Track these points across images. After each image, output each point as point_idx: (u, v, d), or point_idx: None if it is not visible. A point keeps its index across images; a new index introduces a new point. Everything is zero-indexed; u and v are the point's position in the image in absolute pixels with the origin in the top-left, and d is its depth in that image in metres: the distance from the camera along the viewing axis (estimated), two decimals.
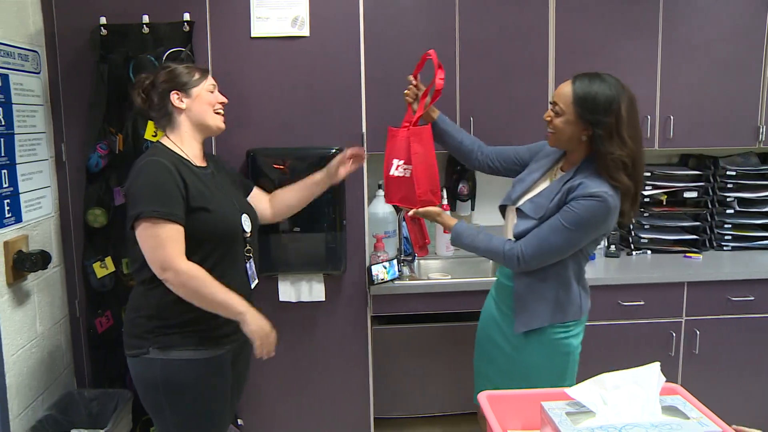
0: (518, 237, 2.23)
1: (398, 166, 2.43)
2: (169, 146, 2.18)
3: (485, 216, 3.63)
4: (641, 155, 2.15)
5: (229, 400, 2.25)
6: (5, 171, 2.49)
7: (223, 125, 2.26)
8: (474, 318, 3.19)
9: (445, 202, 3.46)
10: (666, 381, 1.54)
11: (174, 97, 2.18)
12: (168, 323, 2.10)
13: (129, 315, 2.18)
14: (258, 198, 2.50)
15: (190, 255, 2.04)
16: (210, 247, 2.10)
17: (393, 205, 3.37)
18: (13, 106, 2.56)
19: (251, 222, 2.26)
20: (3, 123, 2.49)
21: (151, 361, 2.10)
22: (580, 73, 2.17)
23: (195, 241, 2.05)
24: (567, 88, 2.16)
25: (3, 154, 2.48)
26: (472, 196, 3.58)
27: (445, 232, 2.46)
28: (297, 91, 2.86)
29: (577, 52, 3.27)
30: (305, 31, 2.83)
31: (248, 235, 2.23)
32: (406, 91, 2.49)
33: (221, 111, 2.26)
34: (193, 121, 2.21)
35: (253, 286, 2.28)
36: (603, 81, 2.12)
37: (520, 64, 3.26)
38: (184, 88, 2.18)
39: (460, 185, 3.54)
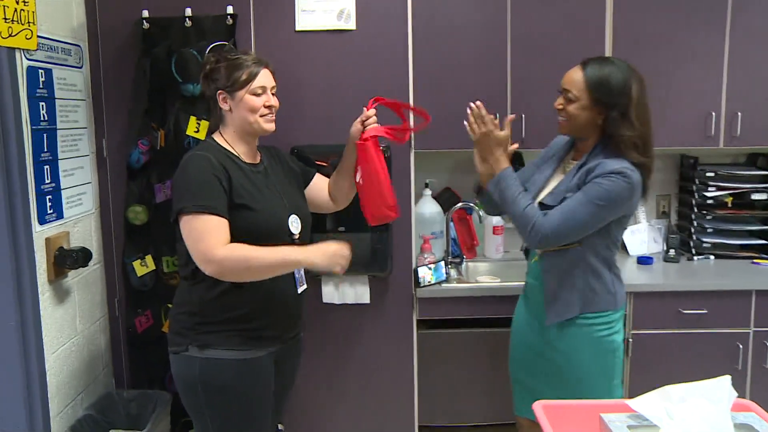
0: None
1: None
2: (219, 142, 2.21)
3: None
4: (651, 136, 2.23)
5: (270, 403, 2.25)
6: (47, 167, 2.54)
7: (269, 127, 2.21)
8: None
9: None
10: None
11: (220, 97, 2.19)
12: (208, 320, 2.12)
13: (172, 311, 2.23)
14: (321, 187, 2.48)
15: None
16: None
17: (439, 205, 3.38)
18: (56, 101, 2.62)
19: (301, 223, 2.24)
20: (46, 118, 2.54)
21: (191, 359, 2.13)
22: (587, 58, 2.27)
23: (237, 240, 2.06)
24: (578, 74, 2.24)
25: (46, 150, 2.53)
26: None
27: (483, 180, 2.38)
28: (343, 87, 2.86)
29: (637, 45, 3.19)
30: (351, 25, 2.83)
31: (296, 236, 2.22)
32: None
33: (268, 114, 2.20)
34: (237, 123, 2.20)
35: (300, 291, 2.26)
36: (613, 64, 2.23)
37: (576, 58, 3.15)
38: (228, 90, 2.17)
39: None
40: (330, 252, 2.10)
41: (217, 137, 2.23)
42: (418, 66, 2.94)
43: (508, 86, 3.16)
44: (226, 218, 2.05)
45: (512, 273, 3.37)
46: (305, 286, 2.29)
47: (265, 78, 2.20)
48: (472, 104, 2.33)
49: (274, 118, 2.23)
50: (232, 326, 2.12)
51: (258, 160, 2.27)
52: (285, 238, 2.18)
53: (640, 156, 2.17)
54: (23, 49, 2.40)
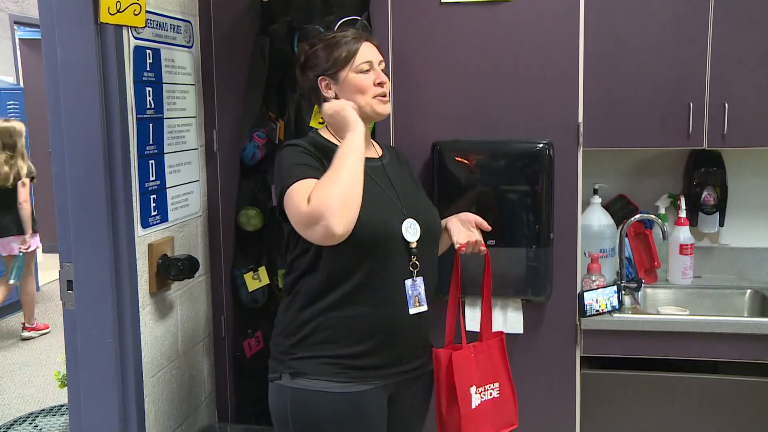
0: None
1: (481, 392, 2.42)
2: (324, 136, 2.29)
3: (738, 235, 3.44)
4: None
5: None
6: (152, 161, 2.65)
7: (383, 110, 2.26)
8: (721, 370, 3.02)
9: (683, 214, 3.31)
10: None
11: (322, 84, 2.26)
12: (302, 343, 2.18)
13: (273, 332, 2.32)
14: None
15: (331, 263, 2.12)
16: (352, 253, 2.11)
17: (610, 216, 3.32)
18: (163, 86, 2.72)
19: (422, 231, 2.23)
20: (152, 106, 2.63)
21: (282, 389, 2.19)
22: None
23: (336, 248, 2.06)
24: None
25: (151, 142, 2.63)
26: (721, 207, 3.38)
27: None
28: (496, 70, 2.84)
29: None
30: None
31: (413, 245, 2.21)
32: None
33: (382, 94, 2.25)
34: None
35: (413, 311, 2.20)
36: None
37: None
38: (329, 73, 2.23)
39: (705, 193, 3.34)
40: (335, 108, 2.18)
41: (323, 131, 2.32)
42: (590, 45, 2.87)
43: (707, 67, 3.00)
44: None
45: (704, 304, 3.26)
46: (424, 307, 2.23)
47: (369, 52, 2.24)
48: None
49: (388, 99, 2.27)
50: (326, 352, 2.15)
51: (376, 155, 2.33)
52: (397, 246, 2.18)
53: None
54: (131, 27, 2.49)
